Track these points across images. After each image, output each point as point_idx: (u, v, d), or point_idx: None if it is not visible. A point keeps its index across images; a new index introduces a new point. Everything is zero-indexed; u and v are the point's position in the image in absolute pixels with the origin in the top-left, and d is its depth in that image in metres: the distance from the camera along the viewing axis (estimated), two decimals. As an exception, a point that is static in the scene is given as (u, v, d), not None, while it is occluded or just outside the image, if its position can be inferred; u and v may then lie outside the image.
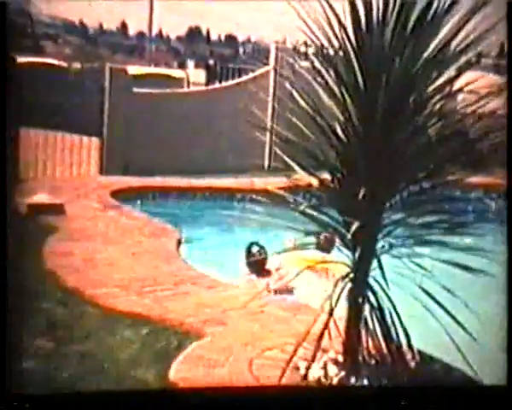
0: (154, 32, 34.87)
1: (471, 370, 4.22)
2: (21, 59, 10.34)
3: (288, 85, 4.49)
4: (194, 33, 49.42)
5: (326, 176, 4.34)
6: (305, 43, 4.49)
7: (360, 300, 4.26)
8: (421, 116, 4.17)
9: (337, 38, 4.10)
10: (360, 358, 4.29)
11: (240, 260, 7.23)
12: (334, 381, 4.18)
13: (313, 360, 4.24)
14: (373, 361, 4.29)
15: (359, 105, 4.13)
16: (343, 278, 4.29)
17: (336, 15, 4.05)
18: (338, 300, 4.23)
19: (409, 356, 4.22)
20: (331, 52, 4.21)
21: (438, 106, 4.17)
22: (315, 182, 4.35)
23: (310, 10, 4.04)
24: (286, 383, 4.11)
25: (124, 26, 47.10)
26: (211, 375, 4.26)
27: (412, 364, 4.24)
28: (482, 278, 4.04)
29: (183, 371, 4.30)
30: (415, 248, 4.21)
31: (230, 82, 13.68)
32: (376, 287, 4.22)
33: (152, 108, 11.53)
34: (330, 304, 4.21)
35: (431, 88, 4.13)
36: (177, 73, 19.49)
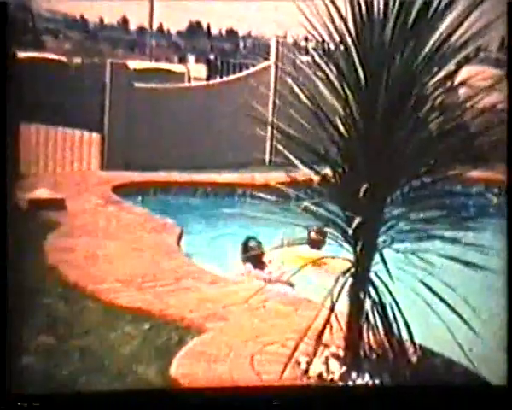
0: (155, 26, 34.92)
1: (472, 365, 4.22)
2: (22, 54, 10.34)
3: (288, 80, 4.48)
4: (194, 28, 49.38)
5: (327, 171, 4.34)
6: (306, 38, 4.48)
7: (361, 295, 4.26)
8: (422, 111, 4.16)
9: (338, 32, 4.10)
10: (361, 353, 4.29)
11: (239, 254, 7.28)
12: (336, 376, 4.18)
13: (314, 355, 4.24)
14: (374, 356, 4.29)
15: (360, 100, 4.12)
16: (344, 273, 4.29)
17: (337, 9, 4.04)
18: (339, 295, 4.23)
19: (410, 351, 4.22)
20: (332, 47, 4.20)
21: (438, 101, 4.16)
22: (316, 177, 4.35)
23: (311, 5, 4.04)
24: (287, 379, 4.11)
25: (124, 21, 47.09)
26: (212, 370, 4.25)
27: (413, 359, 4.24)
28: (482, 273, 4.04)
29: (184, 367, 4.30)
30: (416, 243, 4.21)
31: (231, 77, 13.66)
32: (378, 282, 4.23)
33: (153, 103, 11.51)
34: (331, 299, 4.21)
35: (431, 83, 4.13)
36: (177, 67, 19.46)
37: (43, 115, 10.73)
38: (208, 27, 49.61)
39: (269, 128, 5.52)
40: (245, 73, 13.47)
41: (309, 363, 4.23)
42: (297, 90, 4.33)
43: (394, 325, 4.16)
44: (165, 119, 11.59)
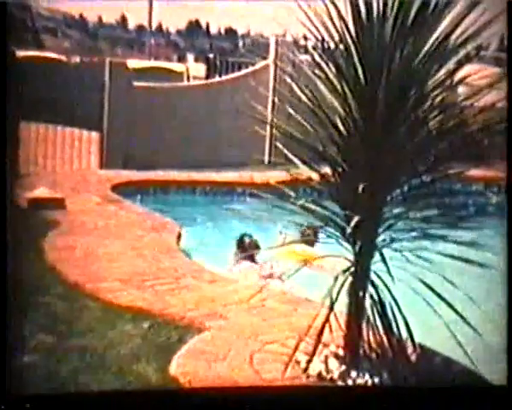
0: (154, 25, 34.89)
1: (472, 364, 4.22)
2: (21, 53, 10.32)
3: (287, 79, 4.48)
4: (193, 27, 49.33)
5: (326, 170, 4.34)
6: (305, 37, 4.48)
7: (361, 293, 4.25)
8: (422, 110, 4.16)
9: (337, 31, 4.10)
10: (361, 352, 4.29)
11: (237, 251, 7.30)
12: (335, 375, 4.18)
13: (314, 354, 4.24)
14: (374, 355, 4.29)
15: (360, 99, 4.12)
16: (344, 271, 4.29)
17: (336, 8, 4.04)
18: (339, 294, 4.23)
19: (410, 350, 4.22)
20: (331, 45, 4.20)
21: (438, 99, 4.16)
22: (315, 176, 4.35)
23: (310, 3, 4.03)
24: (286, 378, 4.11)
25: (123, 19, 47.04)
26: (212, 369, 4.25)
27: (413, 358, 4.24)
28: (482, 271, 4.04)
29: (184, 366, 4.30)
30: (415, 242, 4.21)
31: (230, 76, 13.66)
32: (377, 281, 4.22)
33: (152, 102, 11.51)
34: (331, 298, 4.21)
35: (431, 81, 4.13)
36: (176, 66, 19.45)
37: (42, 114, 10.73)
38: (207, 26, 49.62)
39: (268, 127, 5.50)
40: (244, 71, 13.46)
41: (308, 362, 4.23)
42: (296, 89, 4.33)
43: (394, 324, 4.16)
44: (165, 117, 11.58)
